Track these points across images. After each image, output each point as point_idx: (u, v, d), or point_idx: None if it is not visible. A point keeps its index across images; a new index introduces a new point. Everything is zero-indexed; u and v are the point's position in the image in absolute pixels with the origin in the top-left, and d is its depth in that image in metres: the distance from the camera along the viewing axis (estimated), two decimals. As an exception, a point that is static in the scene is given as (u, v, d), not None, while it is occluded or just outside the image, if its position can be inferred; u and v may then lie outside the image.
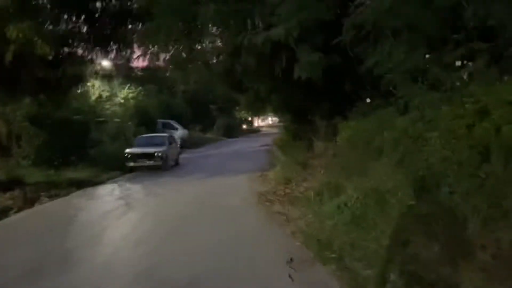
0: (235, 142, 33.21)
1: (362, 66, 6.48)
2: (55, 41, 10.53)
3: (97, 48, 13.64)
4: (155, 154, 15.89)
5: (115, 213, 8.86)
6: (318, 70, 7.69)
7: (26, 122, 14.46)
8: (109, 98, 29.06)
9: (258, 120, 61.22)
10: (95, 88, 31.38)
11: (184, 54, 10.32)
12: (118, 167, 15.94)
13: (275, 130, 47.54)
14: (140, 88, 32.65)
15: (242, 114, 53.77)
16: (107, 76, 34.36)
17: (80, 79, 16.29)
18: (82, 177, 13.98)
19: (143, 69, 44.12)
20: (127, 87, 32.42)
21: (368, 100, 8.59)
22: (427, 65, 5.57)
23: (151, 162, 15.93)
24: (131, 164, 15.93)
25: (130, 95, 29.37)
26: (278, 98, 10.54)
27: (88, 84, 32.50)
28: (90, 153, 16.84)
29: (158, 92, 33.43)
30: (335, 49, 7.25)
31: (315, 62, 7.64)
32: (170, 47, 10.65)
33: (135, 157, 15.93)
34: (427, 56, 5.87)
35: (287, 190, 9.62)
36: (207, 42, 10.37)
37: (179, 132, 27.70)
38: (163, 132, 25.90)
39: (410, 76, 5.62)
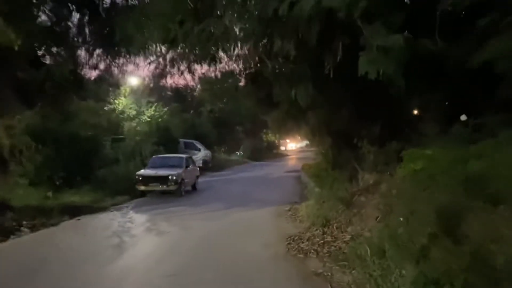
0: (260, 166, 30.84)
1: (470, 60, 4.01)
2: (36, 36, 8.62)
3: (99, 49, 11.57)
4: (169, 177, 13.69)
5: (100, 258, 6.58)
6: (401, 61, 4.84)
7: (26, 136, 12.58)
8: (135, 117, 27.67)
9: (285, 144, 58.75)
10: (122, 105, 30.36)
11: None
12: (128, 190, 13.84)
13: (302, 155, 44.97)
14: (167, 107, 31.25)
15: (269, 137, 51.61)
16: (133, 93, 33.61)
17: (78, 85, 14.18)
18: (83, 201, 11.92)
19: (173, 88, 43.15)
20: (154, 106, 31.28)
21: (463, 118, 5.97)
22: None
23: (164, 187, 13.72)
24: (142, 188, 13.77)
25: (157, 114, 27.90)
26: (317, 115, 8.21)
27: (116, 100, 31.85)
28: (99, 173, 14.84)
29: (183, 111, 31.71)
30: (423, 31, 4.65)
31: (397, 49, 4.65)
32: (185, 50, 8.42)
33: (147, 180, 13.78)
34: None
35: (327, 237, 7.11)
36: (231, 48, 8.08)
37: (202, 153, 25.64)
38: (185, 152, 23.97)
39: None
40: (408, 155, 6.10)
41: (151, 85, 45.93)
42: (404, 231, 4.80)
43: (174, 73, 10.72)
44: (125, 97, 31.23)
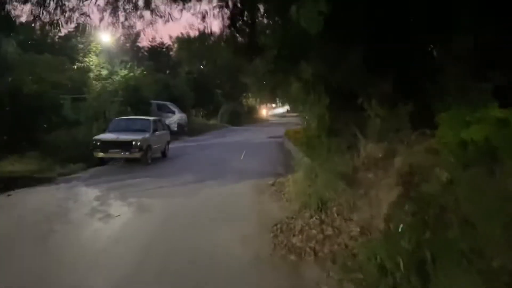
0: (240, 131, 28.79)
1: None
2: None
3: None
4: (133, 143, 11.51)
5: (9, 258, 4.54)
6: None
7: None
8: (108, 76, 25.06)
9: (266, 109, 56.60)
10: (93, 64, 27.69)
11: None
12: (86, 157, 11.62)
13: (284, 121, 43.07)
14: (142, 68, 28.59)
15: (250, 101, 49.33)
16: (106, 52, 30.86)
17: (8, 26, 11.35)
18: (25, 170, 9.70)
19: (148, 48, 39.81)
20: (128, 66, 28.73)
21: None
22: None
23: (126, 154, 11.56)
24: (101, 155, 11.57)
25: (131, 74, 25.28)
26: (314, 65, 6.15)
27: (86, 59, 28.94)
28: (51, 137, 12.52)
29: (157, 70, 28.98)
30: None
31: None
32: None
33: (106, 145, 11.56)
34: None
35: (327, 229, 5.23)
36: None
37: (176, 116, 23.30)
38: (157, 115, 21.64)
39: None
40: (452, 118, 4.15)
41: (126, 43, 42.57)
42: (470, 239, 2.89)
43: (129, 11, 8.28)
44: (96, 55, 28.46)
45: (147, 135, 12.21)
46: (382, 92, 6.61)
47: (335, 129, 7.60)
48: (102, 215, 6.36)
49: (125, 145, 11.52)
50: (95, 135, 12.22)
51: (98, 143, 11.55)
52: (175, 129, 22.71)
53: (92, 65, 26.65)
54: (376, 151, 6.81)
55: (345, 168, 6.71)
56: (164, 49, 36.91)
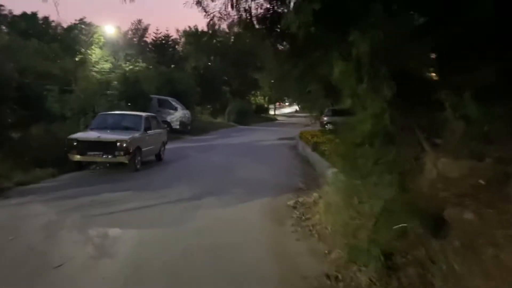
0: (248, 130, 26.34)
1: None
2: None
3: None
4: (117, 144, 9.13)
5: None
6: None
7: None
8: (111, 70, 22.91)
9: (275, 108, 54.09)
10: (95, 56, 25.60)
11: None
12: (61, 160, 9.26)
13: (294, 121, 40.53)
14: (141, 60, 26.46)
15: (259, 99, 46.92)
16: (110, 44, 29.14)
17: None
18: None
19: (154, 40, 37.46)
20: (133, 59, 26.74)
21: None
22: None
23: (109, 157, 9.17)
24: (77, 157, 9.20)
25: (131, 67, 23.14)
26: (376, 35, 3.75)
27: (88, 51, 26.95)
28: (21, 135, 10.19)
29: (159, 62, 26.62)
30: None
31: None
32: None
33: (84, 146, 9.19)
34: None
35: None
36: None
37: (179, 113, 20.89)
38: (158, 111, 19.29)
39: None
40: None
41: (133, 38, 40.34)
42: None
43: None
44: (100, 48, 26.34)
45: (136, 134, 9.83)
46: (482, 82, 4.15)
47: (393, 135, 5.13)
48: (34, 264, 3.94)
49: (108, 147, 9.13)
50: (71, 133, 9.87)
51: (75, 143, 9.18)
52: (177, 127, 20.35)
53: (94, 57, 24.54)
54: (456, 170, 4.39)
55: (416, 198, 4.25)
56: (170, 42, 34.53)
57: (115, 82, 16.56)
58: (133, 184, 8.15)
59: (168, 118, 20.29)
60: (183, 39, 36.28)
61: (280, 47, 6.07)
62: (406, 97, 4.71)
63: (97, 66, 23.34)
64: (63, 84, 15.62)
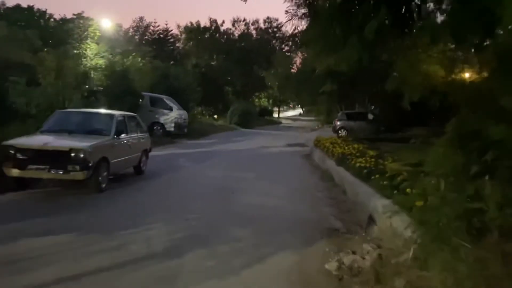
0: (252, 134, 23.53)
1: None
2: None
3: None
4: (72, 154, 6.32)
5: None
6: None
7: None
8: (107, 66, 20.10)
9: (280, 110, 51.26)
10: (90, 51, 22.79)
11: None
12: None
13: (299, 124, 37.70)
14: (134, 52, 23.75)
15: (263, 101, 44.17)
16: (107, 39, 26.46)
17: None
18: None
19: (151, 34, 34.74)
20: (131, 57, 24.04)
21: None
22: None
23: (59, 173, 6.33)
24: (15, 172, 6.37)
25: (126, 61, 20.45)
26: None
27: (82, 45, 24.12)
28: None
29: (155, 57, 23.87)
30: None
31: None
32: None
33: (27, 157, 6.37)
34: None
35: None
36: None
37: (174, 114, 18.05)
38: (150, 111, 16.56)
39: None
40: None
41: (134, 34, 37.65)
42: None
43: None
44: (97, 43, 23.66)
45: (101, 140, 7.00)
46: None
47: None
48: None
49: (58, 158, 6.31)
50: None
51: (12, 152, 6.37)
52: (172, 129, 17.56)
53: (89, 52, 21.84)
54: None
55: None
56: (169, 37, 31.77)
57: (94, 73, 13.74)
58: (83, 217, 5.33)
59: (162, 119, 17.53)
60: (184, 36, 33.57)
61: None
62: None
63: (91, 62, 20.67)
64: (33, 76, 12.87)
